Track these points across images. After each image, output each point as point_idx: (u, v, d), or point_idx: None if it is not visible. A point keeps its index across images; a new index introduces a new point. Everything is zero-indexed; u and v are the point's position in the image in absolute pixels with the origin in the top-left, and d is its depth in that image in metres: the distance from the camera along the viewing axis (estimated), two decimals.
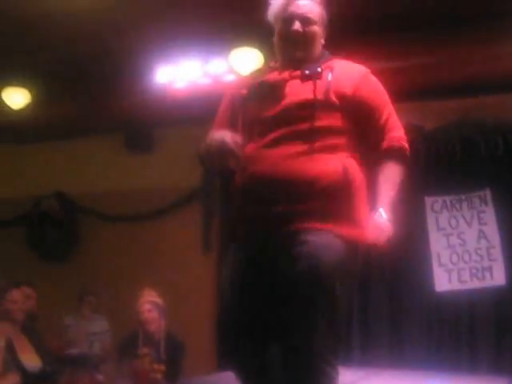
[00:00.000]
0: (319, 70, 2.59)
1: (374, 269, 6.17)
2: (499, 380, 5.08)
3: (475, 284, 5.79)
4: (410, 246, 6.04)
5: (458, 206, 5.93)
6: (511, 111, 5.82)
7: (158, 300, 5.67)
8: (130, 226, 7.02)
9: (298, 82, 2.58)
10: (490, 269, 5.76)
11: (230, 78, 5.97)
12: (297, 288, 2.39)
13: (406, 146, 2.76)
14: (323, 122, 2.53)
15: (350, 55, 5.67)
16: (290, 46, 2.67)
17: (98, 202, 7.15)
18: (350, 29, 5.71)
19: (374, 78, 2.77)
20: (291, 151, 2.49)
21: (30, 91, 6.84)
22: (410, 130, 5.93)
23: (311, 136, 2.50)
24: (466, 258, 5.85)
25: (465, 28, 5.65)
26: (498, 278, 5.71)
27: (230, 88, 2.84)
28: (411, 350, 5.95)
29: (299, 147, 2.50)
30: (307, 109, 2.53)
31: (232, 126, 2.62)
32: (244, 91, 2.63)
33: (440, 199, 5.96)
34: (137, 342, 5.49)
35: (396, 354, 5.98)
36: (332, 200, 2.48)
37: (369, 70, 2.78)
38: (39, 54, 6.51)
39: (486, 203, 5.85)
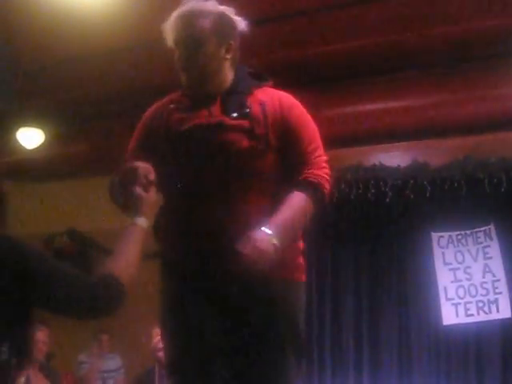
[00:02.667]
0: (247, 110, 2.31)
1: (382, 303, 6.30)
2: None
3: (482, 317, 5.89)
4: (417, 281, 6.18)
5: (463, 241, 6.06)
6: None
7: None
8: (141, 262, 7.11)
9: (226, 124, 2.31)
10: (496, 302, 5.87)
11: None
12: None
13: (325, 184, 2.43)
14: (257, 173, 2.35)
15: (351, 94, 5.90)
16: (187, 81, 2.35)
17: (111, 238, 7.25)
18: (354, 68, 5.93)
19: (301, 109, 2.47)
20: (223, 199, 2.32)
21: (44, 131, 7.00)
22: (416, 167, 6.18)
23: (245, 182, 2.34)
24: (473, 291, 5.96)
25: (470, 66, 5.84)
26: (504, 311, 5.81)
27: (145, 115, 2.53)
28: (420, 382, 6.04)
29: (231, 194, 2.32)
30: (245, 156, 2.31)
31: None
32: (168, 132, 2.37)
33: (446, 235, 6.09)
34: (153, 379, 5.55)
35: None
36: None
37: (297, 102, 2.47)
38: (53, 94, 6.71)
39: (490, 238, 5.98)
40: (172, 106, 2.37)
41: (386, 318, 6.24)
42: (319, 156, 2.44)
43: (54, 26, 5.55)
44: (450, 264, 6.05)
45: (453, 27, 5.48)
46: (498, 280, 5.90)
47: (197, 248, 2.37)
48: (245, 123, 2.30)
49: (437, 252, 6.08)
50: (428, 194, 6.07)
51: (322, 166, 2.43)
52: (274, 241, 2.19)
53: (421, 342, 6.13)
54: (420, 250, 6.14)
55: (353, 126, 6.16)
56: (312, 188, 2.37)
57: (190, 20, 2.29)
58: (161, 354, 5.53)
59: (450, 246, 6.08)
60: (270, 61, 5.49)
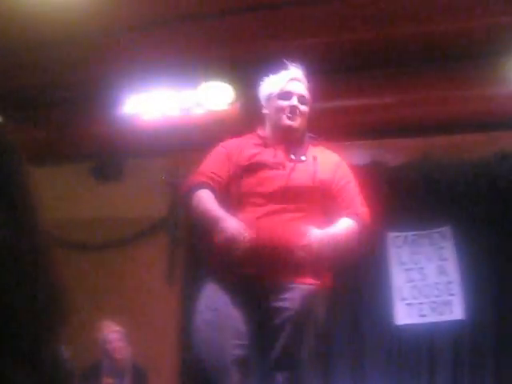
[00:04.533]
0: (303, 158, 3.06)
1: (336, 302, 6.27)
2: None
3: (435, 318, 5.92)
4: (371, 280, 6.18)
5: (419, 241, 6.08)
6: (471, 151, 6.00)
7: (121, 330, 5.67)
8: (94, 254, 7.00)
9: (290, 165, 3.00)
10: (450, 303, 5.90)
11: (200, 111, 6.06)
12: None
13: (367, 219, 3.17)
14: (308, 201, 2.99)
15: (317, 92, 5.86)
16: (281, 118, 3.04)
17: (63, 229, 7.12)
18: (319, 66, 5.88)
19: (345, 165, 3.26)
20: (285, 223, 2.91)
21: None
22: (374, 166, 6.17)
23: (300, 211, 2.95)
24: (426, 292, 5.98)
25: (431, 68, 5.84)
26: (457, 313, 5.85)
27: (225, 146, 3.14)
28: (372, 382, 6.04)
29: (291, 220, 2.93)
30: (302, 192, 2.98)
31: (220, 182, 3.01)
32: (243, 162, 2.99)
33: (402, 235, 6.11)
34: (99, 372, 5.47)
35: None
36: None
37: (341, 159, 3.24)
38: (6, 81, 6.53)
39: (446, 239, 6.01)
40: (253, 142, 3.08)
41: (339, 316, 6.22)
42: (362, 199, 3.23)
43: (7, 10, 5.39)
44: (405, 264, 6.07)
45: (417, 28, 5.47)
46: (452, 282, 5.93)
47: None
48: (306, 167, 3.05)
49: (392, 252, 6.09)
50: (385, 194, 6.07)
51: (365, 205, 3.20)
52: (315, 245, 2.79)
53: (373, 341, 6.12)
54: (375, 250, 6.13)
55: (313, 123, 6.11)
56: (360, 218, 3.08)
57: (302, 82, 3.11)
58: (109, 346, 5.46)
59: (406, 246, 6.09)
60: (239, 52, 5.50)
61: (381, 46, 5.64)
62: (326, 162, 3.12)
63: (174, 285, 6.77)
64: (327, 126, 6.11)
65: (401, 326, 5.95)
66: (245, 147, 3.04)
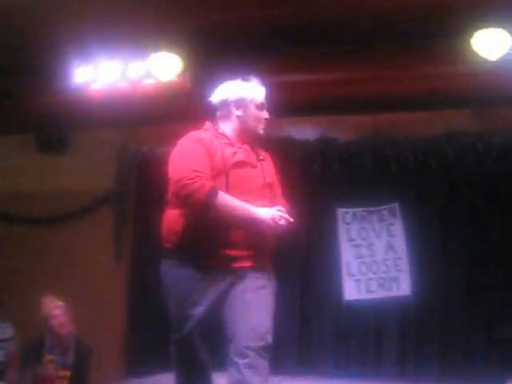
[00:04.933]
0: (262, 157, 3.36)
1: (284, 276, 6.26)
2: None
3: (382, 294, 5.96)
4: (321, 256, 6.18)
5: (368, 218, 6.09)
6: (421, 128, 6.02)
7: (64, 305, 5.56)
8: (39, 228, 6.85)
9: (259, 164, 3.30)
10: (397, 279, 5.94)
11: (149, 82, 5.94)
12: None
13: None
14: (270, 196, 3.31)
15: (267, 67, 5.79)
16: (257, 127, 3.31)
17: (6, 203, 6.95)
18: (268, 40, 5.82)
19: None
20: None
21: None
22: (324, 142, 6.15)
23: (269, 205, 3.18)
24: (375, 268, 6.02)
25: (384, 45, 5.82)
26: (404, 289, 5.90)
27: (201, 143, 3.18)
28: (320, 357, 6.07)
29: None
30: (271, 188, 3.33)
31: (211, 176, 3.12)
32: (228, 161, 3.15)
33: (351, 211, 6.11)
34: (42, 348, 5.36)
35: (305, 362, 6.09)
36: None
37: None
38: None
39: (394, 216, 6.04)
40: (223, 141, 3.23)
41: (288, 291, 6.20)
42: None
43: None
44: (354, 240, 6.08)
45: (366, 4, 5.42)
46: (400, 258, 5.97)
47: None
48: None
49: (341, 228, 6.09)
50: (335, 169, 6.07)
51: None
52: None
53: (322, 316, 6.15)
54: (325, 226, 6.14)
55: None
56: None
57: None
58: (52, 321, 5.35)
59: (355, 222, 6.11)
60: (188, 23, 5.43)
61: (332, 22, 5.59)
62: (269, 161, 3.43)
63: (121, 259, 6.67)
64: (277, 101, 6.06)
65: (349, 301, 5.97)
66: (219, 146, 3.19)
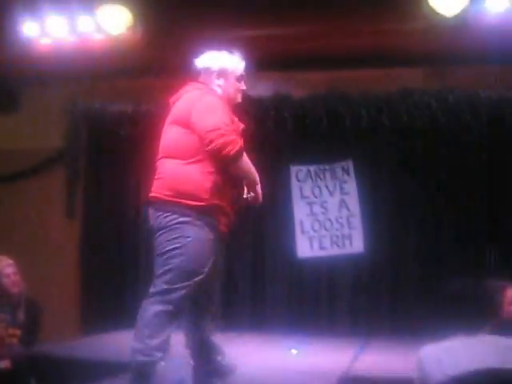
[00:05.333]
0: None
1: (237, 233, 6.24)
2: (355, 341, 5.32)
3: (335, 251, 5.98)
4: (274, 213, 6.17)
5: (321, 175, 6.08)
6: (376, 86, 5.99)
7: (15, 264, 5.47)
8: None
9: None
10: (350, 237, 5.97)
11: (98, 36, 5.80)
12: None
13: None
14: None
15: (221, 22, 5.68)
16: (236, 97, 3.53)
17: None
18: None
19: None
20: None
21: None
22: (278, 99, 6.09)
23: None
24: (328, 226, 6.02)
25: (338, 2, 5.73)
26: (357, 246, 5.93)
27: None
28: (273, 314, 6.09)
29: None
30: None
31: None
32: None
33: (304, 168, 6.09)
34: None
35: (258, 318, 6.11)
36: None
37: None
38: None
39: (348, 174, 6.04)
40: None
41: (241, 248, 6.21)
42: None
43: None
44: (307, 198, 6.08)
45: None
46: (353, 215, 5.99)
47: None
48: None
49: (295, 185, 6.07)
50: (289, 127, 6.02)
51: None
52: None
53: (275, 274, 6.16)
54: (278, 183, 6.11)
55: None
56: None
57: None
58: (3, 280, 5.26)
59: (308, 179, 6.09)
60: None
61: None
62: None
63: (74, 218, 6.58)
64: None
65: (302, 258, 5.99)
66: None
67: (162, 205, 3.22)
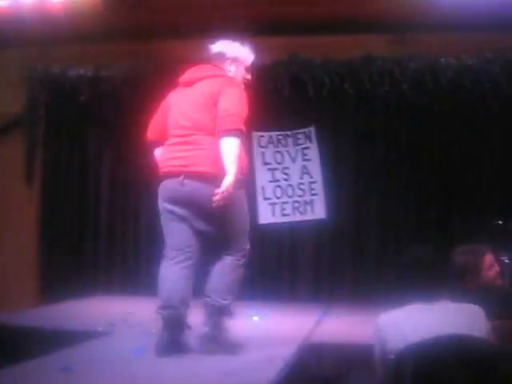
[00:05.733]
0: None
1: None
2: (317, 308, 5.35)
3: (297, 217, 5.98)
4: None
5: (283, 141, 6.06)
6: (338, 52, 5.96)
7: None
8: None
9: None
10: (312, 203, 5.97)
11: None
12: None
13: None
14: None
15: None
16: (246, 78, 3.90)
17: None
18: None
19: None
20: None
21: None
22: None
23: None
24: (290, 192, 6.02)
25: None
26: (319, 212, 5.94)
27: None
28: None
29: None
30: None
31: None
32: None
33: (267, 135, 6.06)
34: None
35: None
36: None
37: None
38: None
39: (310, 140, 6.02)
40: None
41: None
42: None
43: None
44: (269, 164, 6.06)
45: None
46: (315, 182, 5.99)
47: None
48: None
49: (257, 152, 6.04)
50: (250, 93, 5.94)
51: None
52: None
53: None
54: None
55: (173, 16, 5.86)
56: None
57: None
58: None
59: (270, 145, 6.07)
60: None
61: None
62: None
63: (32, 187, 6.48)
64: (191, 22, 5.90)
65: (264, 224, 5.98)
66: None
67: (213, 178, 3.43)
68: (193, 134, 3.55)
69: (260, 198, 6.01)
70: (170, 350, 3.46)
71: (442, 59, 5.81)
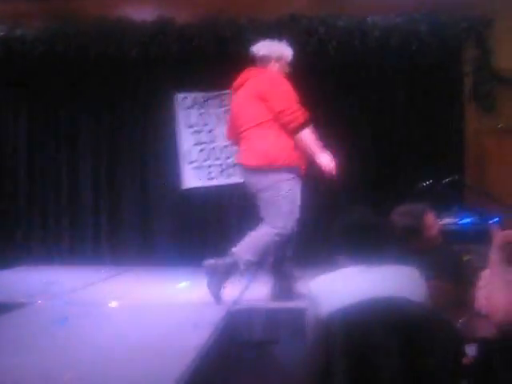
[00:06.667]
0: None
1: (122, 164, 6.07)
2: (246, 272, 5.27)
3: (223, 181, 5.88)
4: (158, 143, 5.99)
5: (208, 103, 5.91)
6: (264, 11, 5.81)
7: None
8: None
9: None
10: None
11: None
12: None
13: None
14: None
15: None
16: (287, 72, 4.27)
17: None
18: None
19: None
20: None
21: None
22: (161, 23, 5.81)
23: None
24: (215, 155, 5.89)
25: None
26: None
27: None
28: (160, 247, 5.97)
29: None
30: None
31: None
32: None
33: (191, 96, 5.90)
34: None
35: (146, 253, 5.97)
36: None
37: None
38: None
39: None
40: None
41: (127, 181, 6.03)
42: None
43: None
44: (193, 126, 5.90)
45: None
46: None
47: None
48: None
49: (180, 114, 5.88)
50: (174, 53, 5.77)
51: None
52: None
53: (161, 206, 6.02)
54: (163, 112, 5.90)
55: None
56: None
57: None
58: None
59: (195, 107, 5.91)
60: None
61: None
62: None
63: None
64: None
65: (189, 189, 5.85)
66: None
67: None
68: (244, 130, 4.09)
69: (184, 162, 5.86)
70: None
71: (368, 18, 5.74)
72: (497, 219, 4.91)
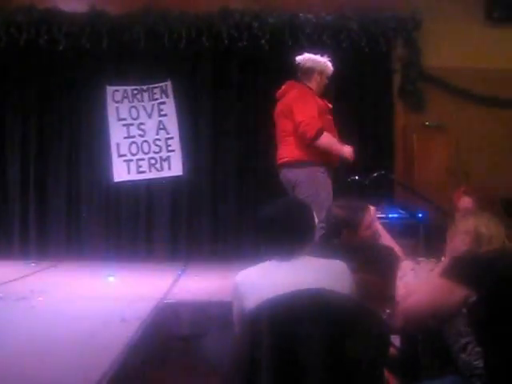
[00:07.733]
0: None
1: (52, 158, 5.96)
2: (175, 266, 5.28)
3: (154, 174, 5.85)
4: (89, 137, 5.90)
5: (139, 96, 5.87)
6: (196, 5, 5.79)
7: None
8: None
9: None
10: (169, 159, 5.85)
11: None
12: None
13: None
14: None
15: None
16: (323, 89, 4.64)
17: None
18: None
19: None
20: None
21: None
22: (93, 15, 5.73)
23: None
24: (146, 148, 5.86)
25: None
26: (176, 169, 5.83)
27: (312, 93, 4.50)
28: (89, 240, 5.89)
29: None
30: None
31: None
32: (324, 107, 4.53)
33: (121, 89, 5.84)
34: None
35: (74, 246, 5.89)
36: None
37: None
38: None
39: (166, 95, 5.87)
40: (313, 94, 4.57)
41: (56, 173, 5.92)
42: None
43: None
44: (124, 120, 5.85)
45: None
46: (172, 138, 5.87)
47: None
48: None
49: (111, 107, 5.82)
50: (105, 45, 5.69)
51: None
52: None
53: (91, 200, 5.93)
54: (93, 105, 5.82)
55: None
56: None
57: None
58: None
59: (125, 100, 5.85)
60: None
61: None
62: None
63: None
64: None
65: (119, 182, 5.80)
66: (315, 96, 4.51)
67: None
68: (284, 137, 4.49)
69: (115, 155, 5.81)
70: None
71: (300, 15, 5.78)
72: (422, 214, 5.04)
